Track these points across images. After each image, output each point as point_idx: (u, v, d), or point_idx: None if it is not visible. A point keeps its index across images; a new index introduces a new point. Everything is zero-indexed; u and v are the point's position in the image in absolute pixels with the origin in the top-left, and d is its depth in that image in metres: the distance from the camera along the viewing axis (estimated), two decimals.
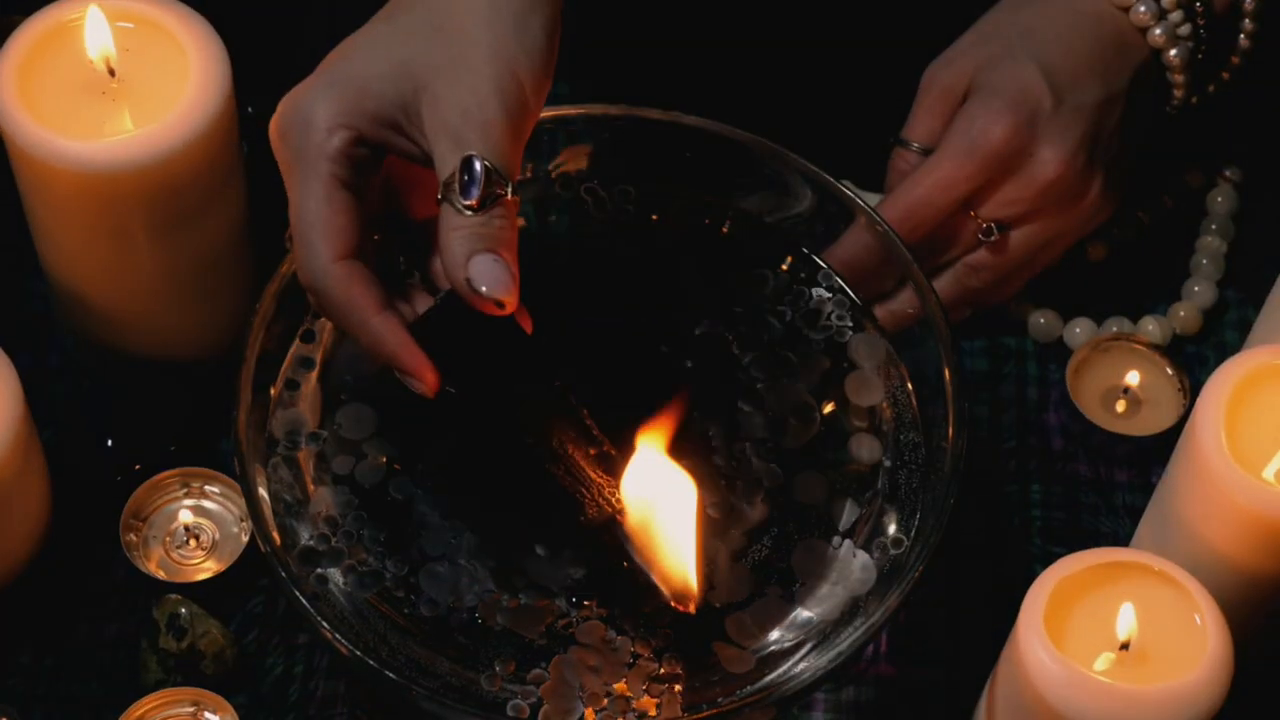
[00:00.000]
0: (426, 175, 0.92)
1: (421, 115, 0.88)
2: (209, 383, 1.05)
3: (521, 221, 1.00)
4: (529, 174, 1.02)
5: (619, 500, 0.91)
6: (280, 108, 0.89)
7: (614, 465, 0.91)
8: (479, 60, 0.88)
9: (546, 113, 0.98)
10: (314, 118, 0.88)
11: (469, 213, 0.86)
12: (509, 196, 0.87)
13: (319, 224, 0.88)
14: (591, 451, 0.91)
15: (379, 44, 0.90)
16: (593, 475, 0.91)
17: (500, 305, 0.86)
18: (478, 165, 0.86)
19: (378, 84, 0.88)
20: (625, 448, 0.91)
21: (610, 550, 0.93)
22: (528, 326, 0.89)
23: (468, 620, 0.92)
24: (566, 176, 1.03)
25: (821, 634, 0.92)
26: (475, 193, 0.86)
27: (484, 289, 0.86)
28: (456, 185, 0.86)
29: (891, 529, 0.94)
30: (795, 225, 1.02)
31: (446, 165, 0.87)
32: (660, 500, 0.90)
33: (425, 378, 0.88)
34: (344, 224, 0.88)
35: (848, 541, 0.94)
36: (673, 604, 0.90)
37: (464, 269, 0.86)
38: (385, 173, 0.92)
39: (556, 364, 0.90)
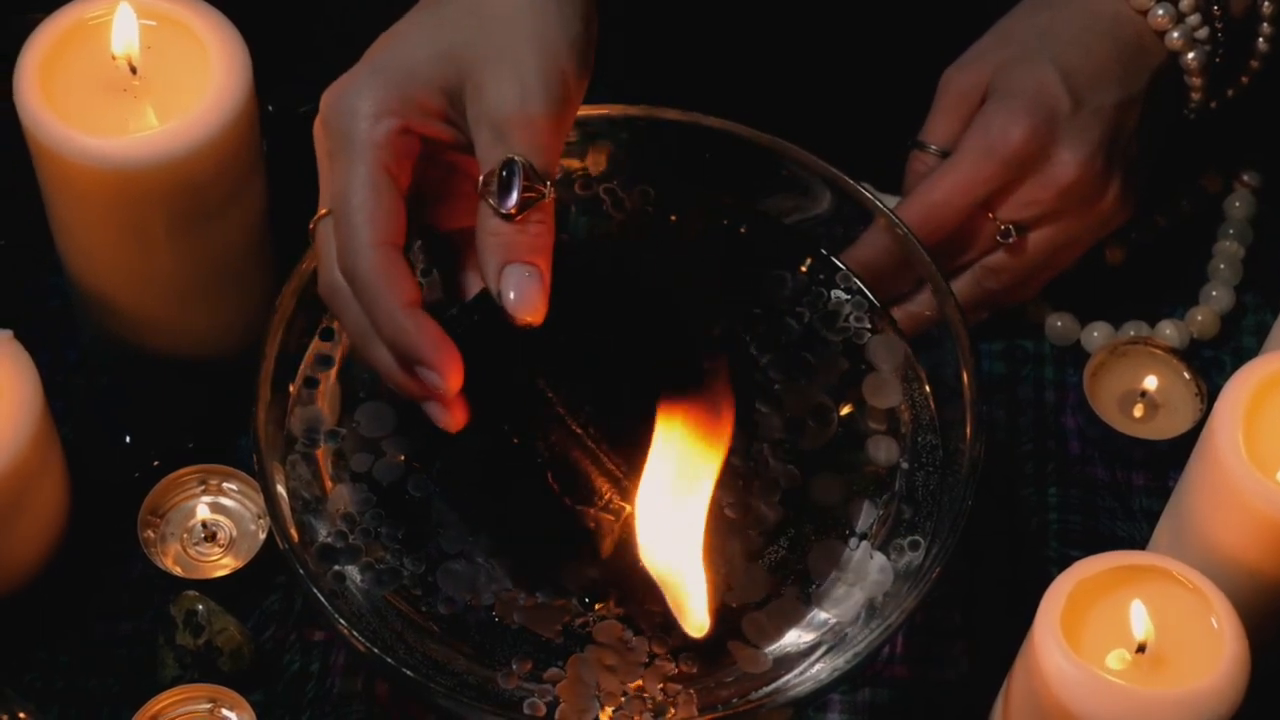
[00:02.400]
0: (456, 186, 0.92)
1: (465, 103, 0.88)
2: (228, 380, 1.05)
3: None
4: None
5: (627, 508, 0.91)
6: (324, 99, 0.89)
7: (619, 480, 0.91)
8: (523, 51, 0.88)
9: None
10: (360, 106, 0.88)
11: (506, 219, 0.86)
12: (547, 198, 0.87)
13: (364, 208, 0.87)
14: (606, 460, 0.91)
15: (422, 32, 0.90)
16: (600, 485, 0.91)
17: (525, 324, 0.86)
18: (517, 169, 0.86)
19: (423, 70, 0.88)
20: (632, 461, 0.91)
21: (626, 551, 0.93)
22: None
23: (485, 618, 0.92)
24: (586, 176, 1.03)
25: (838, 635, 0.92)
26: (513, 200, 0.86)
27: (512, 297, 0.86)
28: (495, 186, 0.86)
29: (908, 531, 0.95)
30: (814, 227, 1.02)
31: (487, 157, 0.87)
32: (673, 526, 0.91)
33: (447, 373, 0.87)
34: (388, 211, 0.87)
35: (865, 543, 0.94)
36: (685, 629, 0.90)
37: (497, 280, 0.86)
38: (418, 179, 0.91)
39: (572, 365, 0.90)
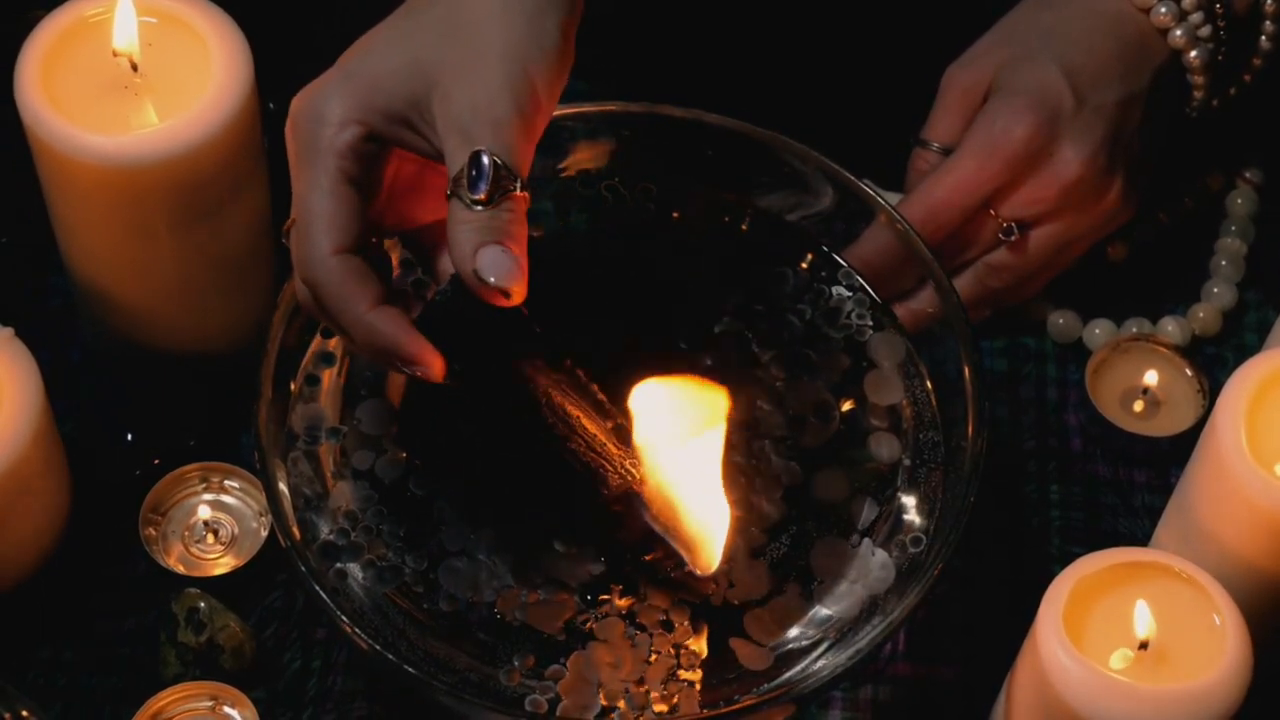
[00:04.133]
0: (431, 179, 0.92)
1: (433, 112, 0.88)
2: (229, 377, 1.05)
3: (537, 232, 0.99)
4: (552, 172, 1.02)
5: (639, 470, 0.91)
6: (294, 102, 0.90)
7: (629, 437, 0.91)
8: (492, 58, 0.88)
9: (568, 110, 0.98)
10: (326, 113, 0.89)
11: (477, 208, 0.86)
12: (518, 192, 0.87)
13: (322, 217, 0.88)
14: (609, 425, 0.91)
15: (394, 41, 0.90)
16: (611, 449, 0.91)
17: (507, 295, 0.86)
18: (486, 160, 0.86)
19: (390, 80, 0.89)
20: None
21: (629, 546, 0.93)
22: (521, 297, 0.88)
23: (486, 615, 0.92)
24: (587, 174, 1.03)
25: (840, 632, 0.92)
26: (484, 188, 0.86)
27: (491, 278, 0.86)
28: (465, 180, 0.86)
29: (910, 527, 0.95)
30: (816, 223, 1.02)
31: (456, 161, 0.87)
32: (679, 464, 0.91)
33: (429, 362, 0.87)
34: (346, 219, 0.88)
35: (867, 540, 0.94)
36: (693, 569, 0.91)
37: (471, 260, 0.86)
38: (391, 176, 0.92)
39: (567, 351, 0.91)
